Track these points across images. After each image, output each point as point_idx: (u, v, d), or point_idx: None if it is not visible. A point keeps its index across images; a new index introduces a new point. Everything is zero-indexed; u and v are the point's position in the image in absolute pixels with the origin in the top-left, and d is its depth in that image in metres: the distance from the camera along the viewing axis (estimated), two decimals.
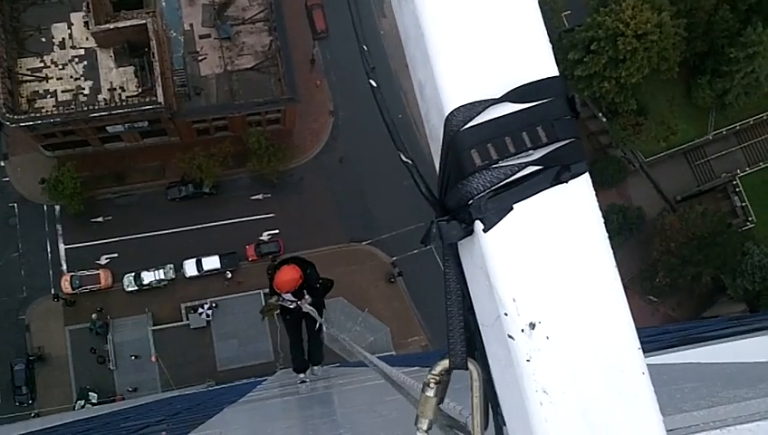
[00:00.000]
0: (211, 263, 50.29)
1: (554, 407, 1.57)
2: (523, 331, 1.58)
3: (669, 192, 54.26)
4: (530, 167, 1.58)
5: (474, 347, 1.83)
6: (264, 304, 12.23)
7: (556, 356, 1.59)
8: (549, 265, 1.60)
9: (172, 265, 50.42)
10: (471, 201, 1.58)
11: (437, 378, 1.96)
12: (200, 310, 49.99)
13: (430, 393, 1.98)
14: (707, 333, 9.31)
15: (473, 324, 1.81)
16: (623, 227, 52.02)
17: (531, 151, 1.57)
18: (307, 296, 12.97)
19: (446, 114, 1.59)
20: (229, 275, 50.87)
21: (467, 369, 1.87)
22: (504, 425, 1.82)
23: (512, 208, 1.58)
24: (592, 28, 47.22)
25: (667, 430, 2.87)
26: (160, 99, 42.96)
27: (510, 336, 1.59)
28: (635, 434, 1.62)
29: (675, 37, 47.46)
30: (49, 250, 50.69)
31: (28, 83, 44.85)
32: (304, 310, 12.92)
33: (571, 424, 1.58)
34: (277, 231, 51.36)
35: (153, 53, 42.97)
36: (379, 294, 50.96)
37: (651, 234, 51.94)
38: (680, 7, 48.61)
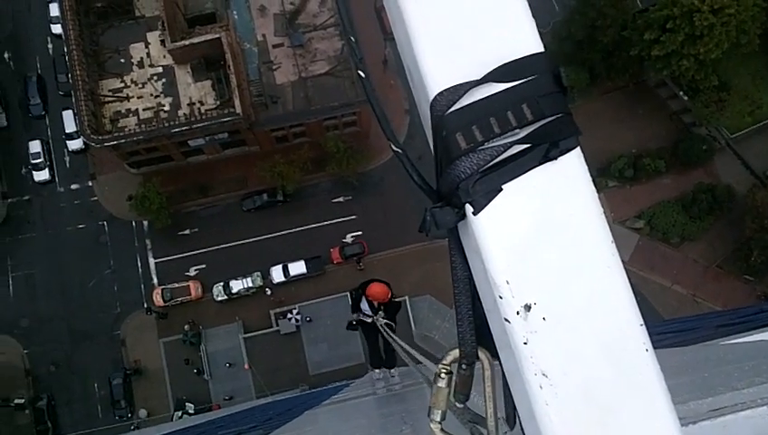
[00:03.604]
0: (297, 268, 50.79)
1: (555, 389, 1.55)
2: (518, 313, 1.56)
3: (758, 167, 52.57)
4: (517, 146, 1.56)
5: (486, 336, 1.79)
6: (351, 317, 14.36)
7: (554, 337, 1.56)
8: (542, 245, 1.57)
9: (259, 273, 51.07)
10: (460, 185, 1.56)
11: (448, 368, 1.95)
12: (289, 315, 50.46)
13: (442, 384, 1.97)
14: None
15: (483, 312, 1.78)
16: (713, 207, 50.78)
17: (517, 130, 1.55)
18: (381, 312, 14.06)
19: (431, 99, 1.58)
20: (269, 293, 51.32)
21: (478, 358, 1.86)
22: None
23: (501, 189, 1.56)
24: (667, 7, 46.19)
25: (714, 409, 2.86)
26: (238, 110, 43.60)
27: (506, 319, 1.57)
28: (640, 413, 1.57)
29: (753, 9, 46.06)
30: (139, 265, 52.04)
31: (110, 104, 45.98)
32: (378, 325, 13.97)
33: (573, 406, 1.55)
34: (360, 233, 51.70)
35: (229, 66, 43.66)
36: None
37: (743, 212, 50.33)
38: None
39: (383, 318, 14.08)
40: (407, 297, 47.89)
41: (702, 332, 10.85)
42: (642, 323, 1.61)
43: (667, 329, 14.41)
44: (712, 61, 47.22)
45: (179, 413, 49.34)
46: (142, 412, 50.23)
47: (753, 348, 5.75)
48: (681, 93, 51.46)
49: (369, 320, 14.26)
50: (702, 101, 49.50)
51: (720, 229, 51.82)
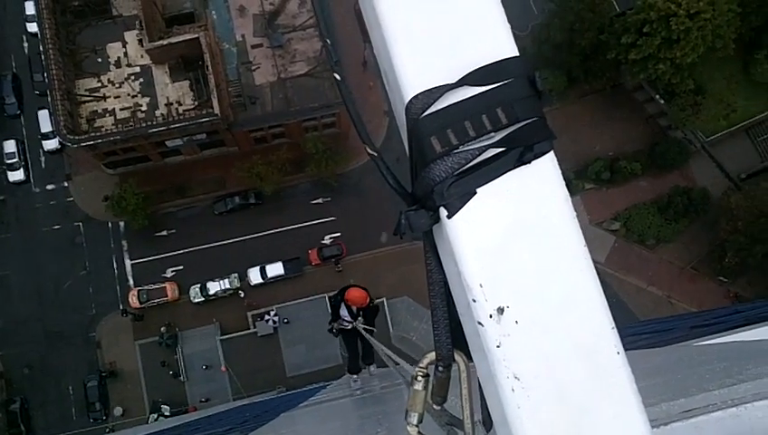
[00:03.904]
0: (275, 269, 50.70)
1: (527, 392, 1.56)
2: (491, 316, 1.57)
3: (733, 170, 53.29)
4: (491, 149, 1.58)
5: (462, 338, 1.80)
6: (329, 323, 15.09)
7: (526, 341, 1.58)
8: (515, 249, 1.59)
9: (237, 274, 50.83)
10: (434, 188, 1.57)
11: (425, 371, 1.98)
12: (267, 317, 50.29)
13: (418, 387, 2.00)
14: None
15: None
16: (688, 209, 51.33)
17: (492, 134, 1.58)
18: (360, 317, 14.54)
19: (406, 102, 1.60)
20: (242, 295, 51.16)
21: (454, 361, 1.87)
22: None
23: (475, 193, 1.58)
24: (643, 10, 46.57)
25: (686, 410, 2.97)
26: (216, 110, 43.36)
27: (479, 323, 1.58)
28: (612, 415, 1.59)
29: (728, 14, 46.54)
30: (115, 266, 51.62)
31: (87, 104, 45.57)
32: (359, 329, 14.39)
33: (545, 409, 1.56)
34: (339, 234, 51.67)
35: (207, 66, 43.40)
36: None
37: (717, 214, 50.97)
38: None
39: (362, 323, 14.46)
40: (384, 299, 47.87)
41: (676, 333, 10.92)
42: (614, 326, 1.63)
43: (643, 330, 14.51)
44: (688, 65, 47.65)
45: (155, 415, 48.86)
46: (117, 410, 49.81)
47: (725, 349, 5.82)
48: (657, 97, 51.89)
49: (349, 326, 14.62)
50: (678, 105, 49.92)
51: (695, 231, 52.39)
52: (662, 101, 51.71)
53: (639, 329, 15.03)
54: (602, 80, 52.38)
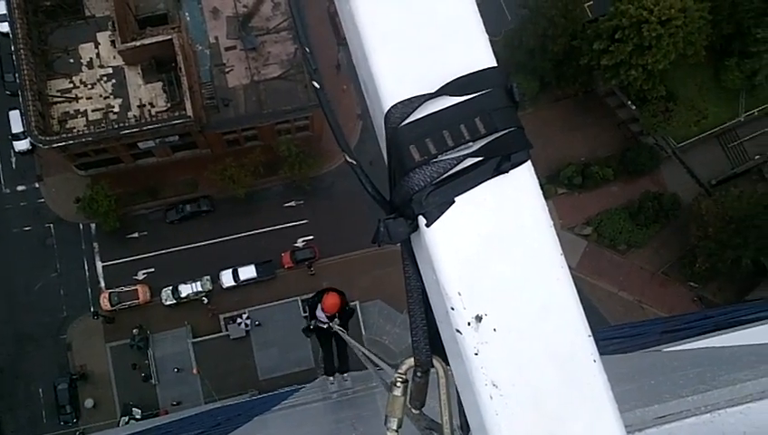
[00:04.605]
0: (247, 272, 50.47)
1: (504, 400, 1.58)
2: (469, 324, 1.58)
3: (704, 176, 53.69)
4: (470, 159, 1.60)
5: (440, 344, 1.81)
6: (306, 322, 15.35)
7: (504, 348, 1.59)
8: (493, 257, 1.60)
9: (209, 277, 50.58)
10: (413, 197, 1.58)
11: (403, 377, 1.98)
12: (239, 320, 50.08)
13: (397, 393, 2.00)
14: (744, 317, 9.30)
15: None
16: (659, 215, 51.72)
17: (470, 143, 1.59)
18: (336, 319, 14.60)
19: (385, 111, 1.60)
20: (205, 301, 50.85)
21: (432, 367, 1.89)
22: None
23: (453, 202, 1.59)
24: (616, 17, 46.92)
25: (660, 417, 2.98)
26: (189, 112, 43.19)
27: (457, 330, 1.60)
28: (588, 422, 1.61)
29: (699, 21, 46.99)
30: (86, 268, 51.18)
31: (58, 104, 45.23)
32: (334, 329, 14.52)
33: (522, 416, 1.58)
34: (312, 237, 51.57)
35: (180, 68, 43.26)
36: None
37: (688, 220, 51.21)
38: None
39: (338, 324, 14.54)
40: (357, 302, 47.71)
41: (647, 338, 11.00)
42: (590, 334, 1.64)
43: (614, 335, 14.60)
44: (659, 71, 48.07)
45: (126, 419, 48.52)
46: (88, 401, 49.32)
47: (697, 355, 5.85)
48: (629, 103, 52.25)
49: (325, 326, 14.71)
50: (649, 111, 50.27)
51: (666, 237, 52.75)
52: (634, 107, 52.08)
53: (611, 334, 15.11)
54: (574, 85, 52.72)
